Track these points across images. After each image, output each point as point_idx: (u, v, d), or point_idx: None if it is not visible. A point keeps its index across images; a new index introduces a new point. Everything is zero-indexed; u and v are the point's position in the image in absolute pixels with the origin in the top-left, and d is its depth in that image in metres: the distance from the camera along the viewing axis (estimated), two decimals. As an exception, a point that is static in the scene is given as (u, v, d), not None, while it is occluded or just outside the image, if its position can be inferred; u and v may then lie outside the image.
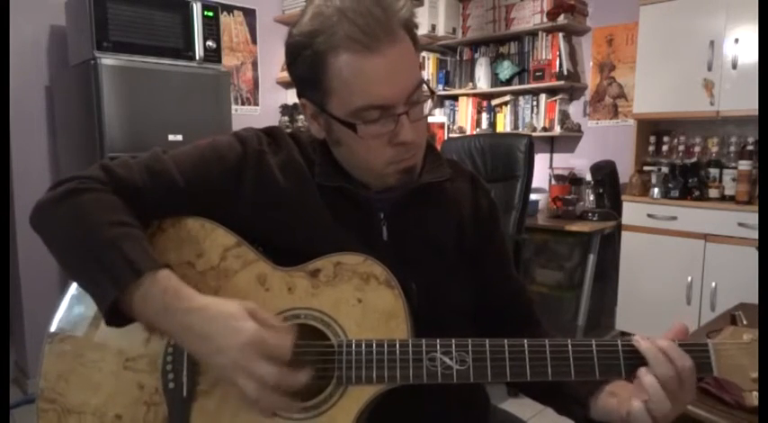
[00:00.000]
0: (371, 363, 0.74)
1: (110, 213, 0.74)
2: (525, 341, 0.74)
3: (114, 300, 0.69)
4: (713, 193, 2.77)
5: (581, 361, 0.73)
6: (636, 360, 0.72)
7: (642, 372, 0.71)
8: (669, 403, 0.69)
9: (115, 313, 0.70)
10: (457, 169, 0.95)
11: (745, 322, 0.74)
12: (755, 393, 0.71)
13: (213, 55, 2.64)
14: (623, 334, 3.15)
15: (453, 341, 0.74)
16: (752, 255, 2.50)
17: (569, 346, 0.73)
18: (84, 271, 0.73)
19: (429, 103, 0.81)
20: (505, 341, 0.74)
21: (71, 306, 0.80)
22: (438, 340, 0.74)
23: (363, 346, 0.74)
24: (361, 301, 0.76)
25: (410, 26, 0.78)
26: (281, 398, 0.68)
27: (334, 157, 0.86)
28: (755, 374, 0.71)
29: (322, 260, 0.78)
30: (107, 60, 2.31)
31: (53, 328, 0.79)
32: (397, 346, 0.74)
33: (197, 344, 0.69)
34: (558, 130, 3.47)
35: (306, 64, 0.77)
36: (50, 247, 0.76)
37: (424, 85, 0.79)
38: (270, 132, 0.89)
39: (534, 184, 2.84)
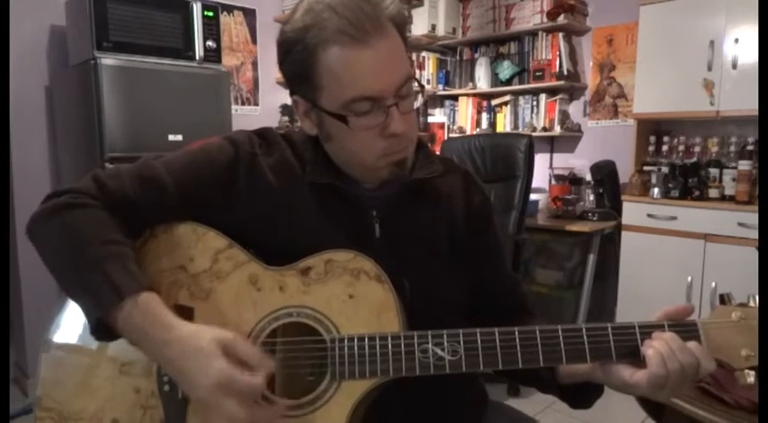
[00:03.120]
0: (364, 357, 0.74)
1: (98, 231, 0.75)
2: (516, 329, 0.75)
3: (98, 320, 0.71)
4: (713, 193, 2.77)
5: (572, 346, 0.74)
6: (628, 343, 0.74)
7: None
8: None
9: (102, 330, 0.72)
10: (449, 166, 0.96)
11: (734, 302, 0.75)
12: (747, 371, 0.72)
13: (213, 55, 2.65)
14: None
15: (445, 332, 0.75)
16: (752, 255, 2.49)
17: (559, 332, 0.75)
18: (71, 288, 0.75)
19: (419, 98, 0.82)
20: (496, 330, 0.75)
21: (66, 313, 0.81)
22: (429, 332, 0.75)
23: (355, 340, 0.75)
24: (353, 297, 0.77)
25: (398, 22, 0.79)
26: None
27: (326, 154, 0.87)
28: (745, 352, 0.72)
29: (313, 258, 0.78)
30: (107, 60, 2.31)
31: (49, 336, 0.80)
32: (389, 339, 0.74)
33: (175, 375, 0.71)
34: (558, 130, 3.47)
35: (297, 59, 0.78)
36: (43, 260, 0.77)
37: (414, 81, 0.80)
38: (262, 134, 0.90)
39: (534, 184, 2.84)
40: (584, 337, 0.74)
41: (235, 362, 0.68)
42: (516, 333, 0.75)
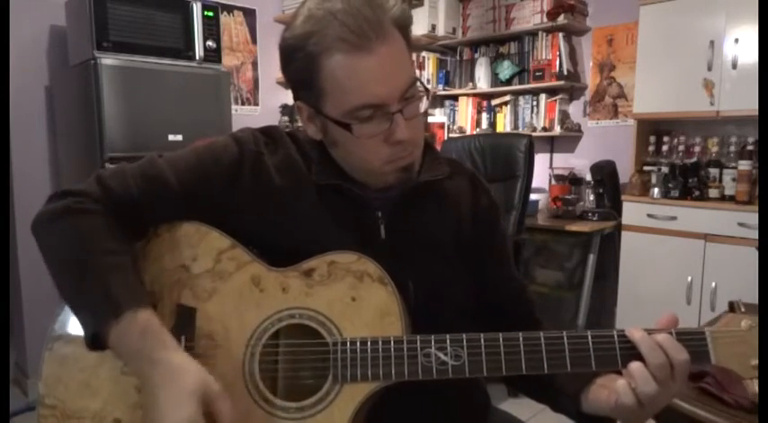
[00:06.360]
0: (366, 360, 0.74)
1: (100, 240, 0.74)
2: (520, 334, 0.74)
3: (93, 333, 0.70)
4: (713, 193, 2.77)
5: (577, 353, 0.73)
6: (632, 351, 0.72)
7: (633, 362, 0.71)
8: (657, 390, 0.69)
9: (96, 342, 0.71)
10: (456, 168, 0.95)
11: (743, 309, 0.73)
12: (757, 381, 0.70)
13: (213, 55, 2.65)
14: (623, 334, 3.15)
15: (448, 337, 0.74)
16: (752, 255, 2.49)
17: (564, 339, 0.73)
18: (70, 296, 0.74)
19: (424, 101, 0.81)
20: (500, 335, 0.74)
21: (70, 312, 0.80)
22: (432, 336, 0.74)
23: (358, 343, 0.74)
24: (356, 300, 0.76)
25: (402, 24, 0.78)
26: None
27: (332, 156, 0.86)
28: (755, 361, 0.70)
29: (316, 259, 0.78)
30: (107, 60, 2.31)
31: (53, 334, 0.79)
32: (392, 342, 0.74)
33: (146, 396, 0.69)
34: (557, 130, 3.46)
35: (299, 66, 0.78)
36: (44, 261, 0.76)
37: (419, 83, 0.79)
38: (267, 132, 0.89)
39: (534, 184, 2.84)
40: (590, 344, 0.73)
41: (207, 415, 0.66)
42: (521, 338, 0.74)
